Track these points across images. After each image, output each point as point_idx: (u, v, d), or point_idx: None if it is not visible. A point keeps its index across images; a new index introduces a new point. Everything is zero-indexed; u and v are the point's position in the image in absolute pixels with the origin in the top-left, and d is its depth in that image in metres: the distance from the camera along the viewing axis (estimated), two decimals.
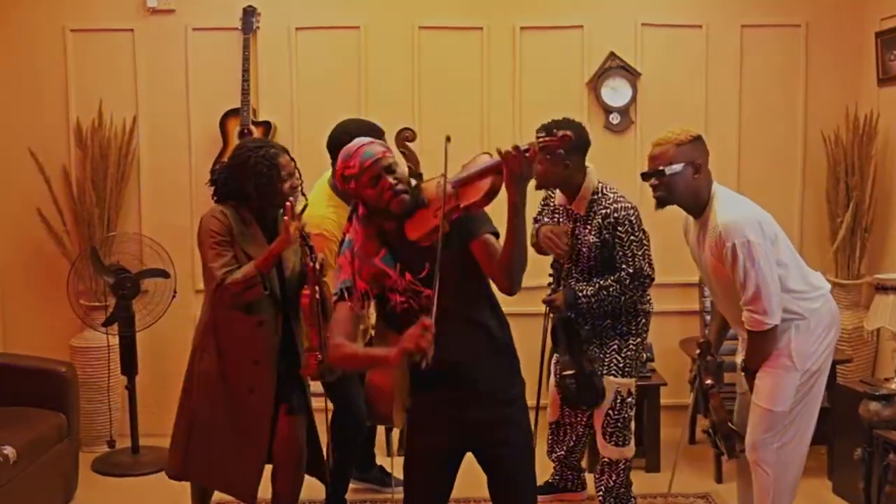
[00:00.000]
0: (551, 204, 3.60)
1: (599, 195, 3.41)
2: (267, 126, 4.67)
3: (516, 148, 2.22)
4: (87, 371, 4.52)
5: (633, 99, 4.75)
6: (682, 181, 2.91)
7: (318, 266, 3.08)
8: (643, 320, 3.51)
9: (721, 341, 3.28)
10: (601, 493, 3.57)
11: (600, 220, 3.38)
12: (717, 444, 3.19)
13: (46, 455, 3.65)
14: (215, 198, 3.17)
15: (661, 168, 2.91)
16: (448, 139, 2.30)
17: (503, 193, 2.28)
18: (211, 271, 3.01)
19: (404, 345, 2.23)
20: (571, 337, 3.46)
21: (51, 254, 4.67)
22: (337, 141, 3.28)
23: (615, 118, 4.77)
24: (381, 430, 4.24)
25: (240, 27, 4.66)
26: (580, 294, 3.40)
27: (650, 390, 4.23)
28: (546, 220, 3.59)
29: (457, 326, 2.40)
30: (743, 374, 3.08)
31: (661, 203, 2.97)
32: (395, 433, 4.39)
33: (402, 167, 2.48)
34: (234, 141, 4.63)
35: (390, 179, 2.40)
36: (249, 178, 3.06)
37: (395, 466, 3.70)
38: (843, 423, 3.91)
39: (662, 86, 4.77)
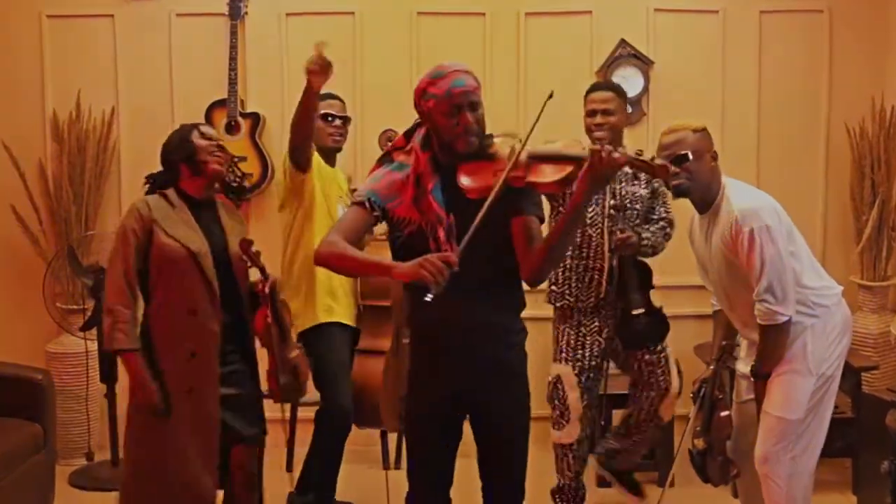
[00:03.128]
0: None
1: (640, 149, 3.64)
2: (255, 118, 4.68)
3: (608, 151, 2.27)
4: (64, 378, 4.52)
5: (646, 89, 4.75)
6: (702, 168, 2.96)
7: (268, 288, 3.14)
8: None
9: (732, 351, 3.30)
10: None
11: None
12: (705, 471, 3.16)
13: (21, 468, 3.64)
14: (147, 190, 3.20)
15: (683, 153, 2.93)
16: (551, 95, 2.36)
17: None
18: (111, 280, 3.04)
19: (421, 270, 2.24)
20: (644, 275, 3.60)
21: (25, 254, 4.67)
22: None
23: (626, 109, 4.77)
24: (376, 440, 4.24)
25: (227, 13, 4.66)
26: (644, 236, 3.59)
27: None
28: None
29: (472, 293, 2.41)
30: (752, 380, 3.08)
31: (680, 192, 3.01)
32: (392, 445, 4.39)
33: (482, 110, 2.50)
34: (221, 134, 4.64)
35: (469, 116, 2.43)
36: (170, 157, 3.15)
37: (392, 481, 3.70)
38: (868, 433, 3.90)
39: (676, 75, 4.77)
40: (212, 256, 3.06)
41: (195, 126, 3.18)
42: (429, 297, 2.23)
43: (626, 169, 3.49)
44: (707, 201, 3.01)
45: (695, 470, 3.25)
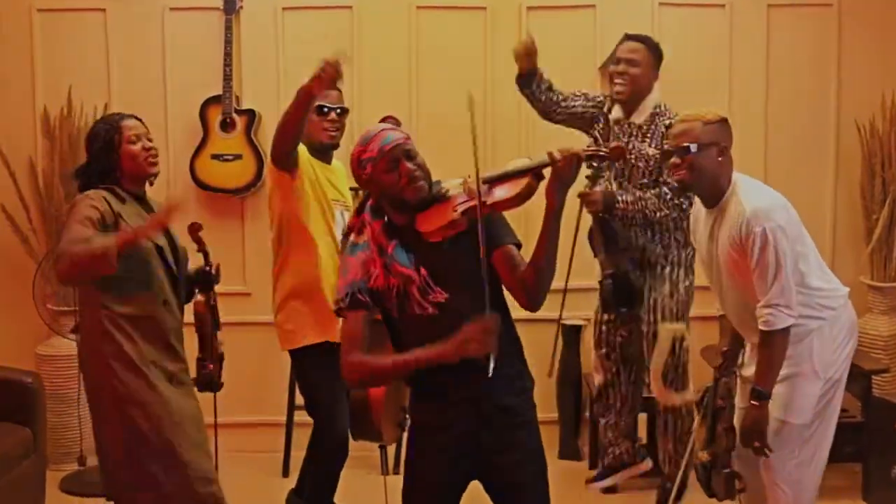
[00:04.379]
0: (601, 120, 3.80)
1: (663, 108, 3.69)
2: (251, 114, 4.68)
3: (568, 151, 2.30)
4: (55, 381, 4.52)
5: None
6: (707, 162, 2.93)
7: (214, 271, 3.16)
8: (692, 252, 3.60)
9: (736, 360, 3.28)
10: (669, 443, 3.62)
11: (663, 130, 3.57)
12: (709, 485, 3.12)
13: (10, 474, 3.65)
14: (80, 188, 3.13)
15: (686, 145, 2.93)
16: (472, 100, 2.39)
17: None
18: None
19: (467, 347, 2.29)
20: (608, 236, 3.60)
21: (15, 254, 4.67)
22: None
23: None
24: (374, 446, 4.24)
25: (221, 7, 4.66)
26: (619, 198, 3.57)
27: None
28: (597, 136, 3.81)
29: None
30: (748, 392, 3.06)
31: (681, 186, 3.02)
32: (391, 450, 4.39)
33: (419, 157, 2.51)
34: (216, 131, 4.65)
35: (409, 165, 2.44)
36: (98, 150, 3.09)
37: (390, 486, 3.70)
38: (878, 438, 3.91)
39: (681, 71, 4.76)
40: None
41: (118, 127, 3.07)
42: (490, 370, 2.27)
43: (638, 123, 3.65)
44: (714, 196, 2.99)
45: (700, 484, 3.20)
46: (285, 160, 3.33)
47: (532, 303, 2.46)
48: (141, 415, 2.91)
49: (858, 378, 4.06)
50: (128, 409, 2.92)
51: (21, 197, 4.64)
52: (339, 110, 3.50)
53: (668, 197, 3.56)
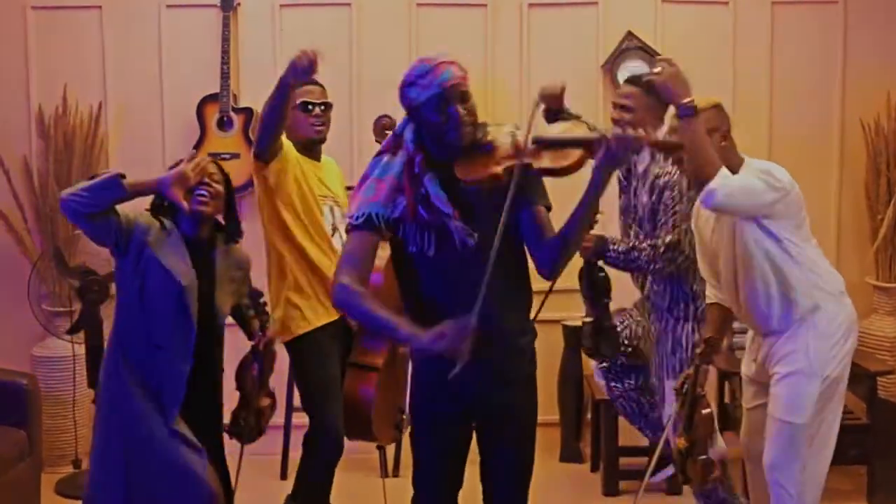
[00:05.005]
0: None
1: (657, 156, 3.52)
2: (248, 113, 4.68)
3: (625, 132, 2.27)
4: (51, 383, 4.52)
5: None
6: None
7: (263, 345, 3.12)
8: (701, 305, 3.49)
9: (717, 351, 3.30)
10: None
11: (653, 179, 3.48)
12: (684, 471, 3.16)
13: (5, 476, 3.64)
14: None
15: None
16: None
17: None
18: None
19: (442, 346, 2.26)
20: (593, 283, 3.58)
21: (10, 254, 4.67)
22: None
23: None
24: (372, 447, 4.24)
25: (219, 4, 4.66)
26: (611, 246, 3.51)
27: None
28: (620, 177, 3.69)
29: (493, 299, 2.38)
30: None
31: (693, 181, 3.05)
32: (390, 453, 4.39)
33: (473, 99, 2.47)
34: (213, 129, 4.65)
35: (460, 109, 2.40)
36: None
37: (389, 489, 3.71)
38: (884, 440, 3.92)
39: (684, 68, 4.72)
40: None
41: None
42: (453, 373, 2.24)
43: (639, 169, 3.50)
44: None
45: (676, 469, 3.26)
46: (265, 150, 3.35)
47: (550, 271, 2.48)
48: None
49: (863, 380, 4.07)
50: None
51: (16, 196, 4.64)
52: (322, 106, 3.55)
53: (662, 250, 3.40)
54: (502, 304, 2.46)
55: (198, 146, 4.65)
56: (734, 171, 2.95)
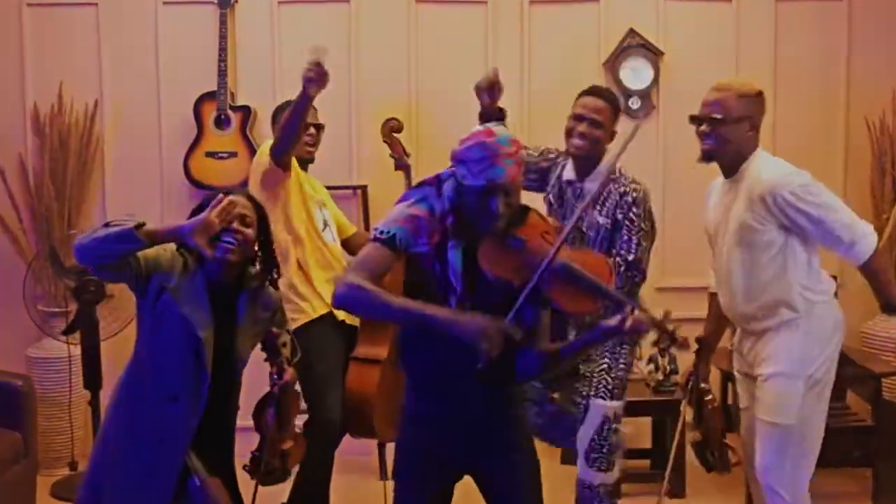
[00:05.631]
0: (553, 179, 3.51)
1: (618, 174, 3.38)
2: (246, 111, 4.69)
3: (653, 321, 2.33)
4: (46, 385, 4.53)
5: (655, 81, 4.76)
6: (735, 135, 2.97)
7: (279, 389, 2.98)
8: None
9: (717, 344, 3.32)
10: None
11: (617, 199, 3.35)
12: (706, 460, 3.22)
13: (0, 479, 3.65)
14: None
15: (717, 116, 2.96)
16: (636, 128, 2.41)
17: None
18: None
19: (483, 340, 2.25)
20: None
21: (4, 254, 4.68)
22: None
23: (635, 102, 4.78)
24: (373, 450, 4.25)
25: (216, 1, 4.67)
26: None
27: (673, 407, 4.23)
28: (552, 199, 3.53)
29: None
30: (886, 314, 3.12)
31: (706, 156, 3.03)
32: (390, 455, 4.40)
33: (519, 193, 2.46)
34: (210, 128, 4.65)
35: (501, 204, 2.38)
36: None
37: (389, 492, 3.71)
38: (889, 442, 3.92)
39: (687, 67, 4.78)
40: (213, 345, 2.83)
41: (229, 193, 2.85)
42: (481, 366, 2.26)
43: (590, 189, 3.29)
44: (734, 167, 3.03)
45: (698, 460, 3.31)
46: (285, 157, 3.55)
47: (521, 381, 2.55)
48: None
49: (868, 381, 4.07)
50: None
51: (11, 196, 4.64)
52: (315, 127, 3.78)
53: (622, 268, 3.33)
54: (500, 369, 2.45)
55: (195, 145, 4.66)
56: (745, 157, 2.99)
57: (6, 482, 3.69)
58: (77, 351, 4.39)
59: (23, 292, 4.39)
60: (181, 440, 2.81)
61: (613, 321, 2.35)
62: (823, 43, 4.82)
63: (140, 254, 2.72)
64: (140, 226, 2.65)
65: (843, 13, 4.79)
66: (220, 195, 2.77)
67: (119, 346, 4.53)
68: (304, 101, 3.42)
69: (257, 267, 2.95)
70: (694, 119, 3.03)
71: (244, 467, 3.05)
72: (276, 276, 2.97)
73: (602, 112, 3.31)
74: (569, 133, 3.33)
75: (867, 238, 2.90)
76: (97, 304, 4.33)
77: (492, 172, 2.34)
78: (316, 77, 3.35)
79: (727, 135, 2.97)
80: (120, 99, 4.76)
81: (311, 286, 3.63)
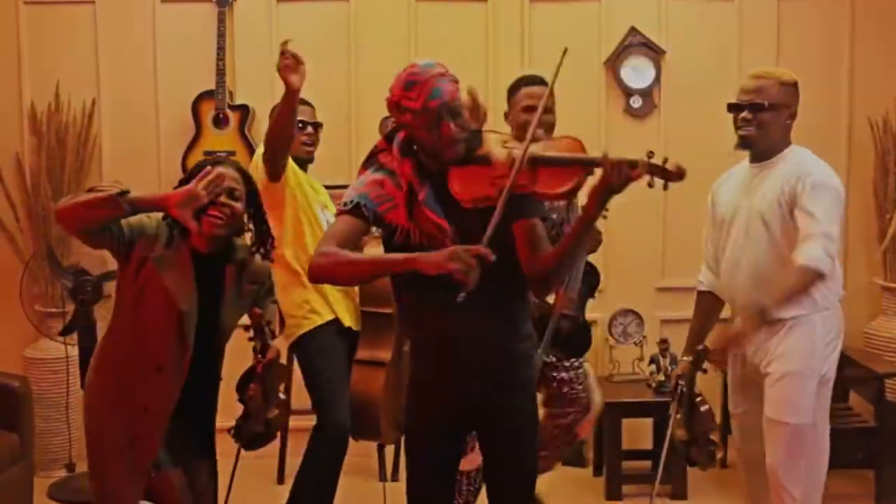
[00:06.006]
0: None
1: None
2: (244, 110, 4.69)
3: (625, 162, 2.24)
4: (43, 385, 4.53)
5: (657, 80, 4.76)
6: (776, 123, 3.01)
7: (262, 368, 2.95)
8: None
9: (702, 341, 3.30)
10: None
11: None
12: (690, 457, 3.21)
13: None
14: None
15: (760, 102, 2.98)
16: (565, 51, 2.43)
17: None
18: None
19: (450, 264, 2.22)
20: (592, 279, 3.64)
21: (1, 254, 4.68)
22: None
23: (636, 101, 4.78)
24: (372, 451, 4.25)
25: None
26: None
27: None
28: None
29: (476, 307, 2.39)
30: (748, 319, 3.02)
31: (744, 143, 3.06)
32: (389, 457, 4.40)
33: (466, 114, 2.47)
34: (208, 127, 4.65)
35: (452, 126, 2.40)
36: None
37: (389, 493, 3.71)
38: (892, 443, 3.93)
39: (689, 65, 4.79)
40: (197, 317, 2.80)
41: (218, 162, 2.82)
42: (461, 297, 2.22)
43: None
44: (767, 154, 3.05)
45: (680, 458, 3.35)
46: (278, 165, 3.44)
47: (540, 289, 2.50)
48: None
49: (871, 382, 4.08)
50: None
51: (7, 195, 4.64)
52: (313, 126, 3.69)
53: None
54: (495, 318, 2.49)
55: (193, 144, 4.66)
56: (778, 149, 3.01)
57: (3, 484, 3.69)
58: (74, 351, 4.38)
59: (20, 292, 4.39)
60: (165, 410, 2.80)
61: (601, 178, 2.28)
62: (826, 42, 4.82)
63: (123, 220, 2.68)
64: (124, 193, 2.60)
65: (845, 12, 4.79)
66: (208, 167, 2.73)
67: None
68: (290, 96, 3.25)
69: (245, 238, 2.93)
70: (733, 107, 3.06)
71: (228, 431, 3.05)
72: (270, 248, 2.93)
73: (552, 99, 3.33)
74: (522, 128, 3.30)
75: (830, 257, 2.86)
76: (94, 305, 4.33)
77: (431, 95, 2.38)
78: (292, 63, 3.21)
79: (769, 122, 3.00)
80: (117, 98, 4.76)
81: (318, 291, 3.57)
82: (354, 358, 3.58)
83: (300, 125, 3.59)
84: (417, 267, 2.30)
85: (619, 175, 2.25)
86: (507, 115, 3.42)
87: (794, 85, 3.06)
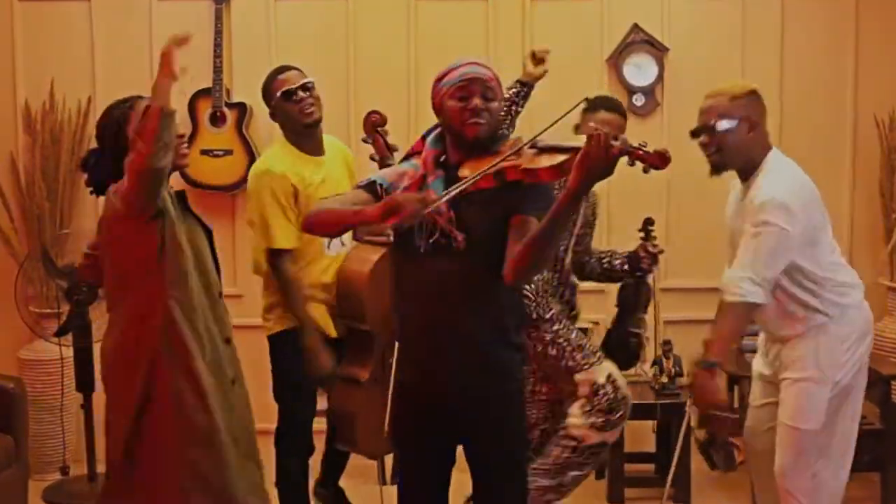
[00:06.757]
0: None
1: None
2: (242, 108, 4.68)
3: (606, 138, 2.22)
4: (38, 387, 4.53)
5: (660, 77, 4.76)
6: (734, 139, 2.98)
7: None
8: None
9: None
10: None
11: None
12: (711, 459, 3.25)
13: None
14: (94, 183, 3.00)
15: (711, 123, 2.97)
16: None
17: None
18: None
19: (390, 202, 2.36)
20: (648, 295, 3.76)
21: None
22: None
23: (639, 99, 4.78)
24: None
25: None
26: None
27: (678, 409, 4.23)
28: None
29: (462, 302, 2.45)
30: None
31: (715, 168, 3.04)
32: (389, 459, 4.39)
33: (497, 105, 2.55)
34: (205, 125, 4.65)
35: (477, 101, 2.48)
36: (124, 138, 2.92)
37: (387, 497, 3.71)
38: None
39: (692, 63, 4.78)
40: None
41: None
42: (420, 248, 2.39)
43: None
44: (748, 171, 3.04)
45: (702, 457, 3.34)
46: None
47: (511, 275, 2.42)
48: (204, 456, 2.83)
49: (877, 384, 4.06)
50: (190, 451, 2.82)
51: (2, 195, 4.65)
52: (303, 88, 3.53)
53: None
54: (473, 312, 2.49)
55: (189, 142, 4.64)
56: (756, 163, 2.99)
57: None
58: (69, 353, 4.39)
59: (14, 293, 4.39)
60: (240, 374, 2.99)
61: (581, 152, 2.26)
62: (831, 38, 4.81)
63: None
64: None
65: (850, 8, 4.78)
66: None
67: None
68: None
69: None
70: (693, 133, 3.05)
71: None
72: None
73: (613, 123, 3.36)
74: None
75: (754, 289, 2.85)
76: (90, 306, 4.33)
77: (468, 69, 2.52)
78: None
79: (727, 141, 2.97)
80: (113, 96, 4.68)
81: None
82: (338, 369, 3.56)
83: (289, 94, 3.49)
84: (366, 217, 2.45)
85: (598, 145, 2.21)
86: (577, 128, 3.44)
87: (749, 94, 3.02)
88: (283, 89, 3.49)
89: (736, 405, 4.56)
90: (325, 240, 3.54)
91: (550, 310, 3.41)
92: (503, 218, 2.44)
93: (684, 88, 4.74)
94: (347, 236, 3.64)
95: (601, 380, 3.36)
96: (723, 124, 2.96)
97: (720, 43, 4.80)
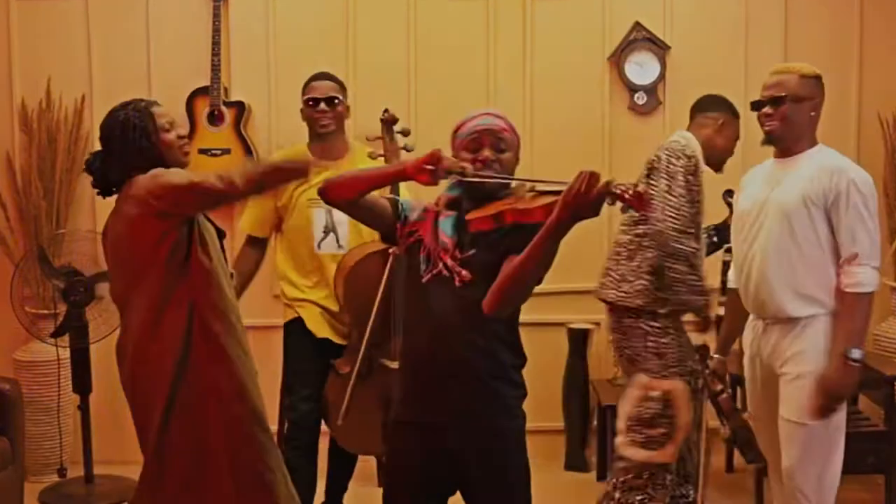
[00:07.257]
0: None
1: None
2: (240, 106, 4.68)
3: (591, 177, 2.20)
4: (34, 388, 4.53)
5: (662, 76, 4.76)
6: (799, 116, 3.04)
7: None
8: None
9: (734, 339, 3.37)
10: None
11: None
12: (742, 450, 3.31)
13: None
14: (101, 184, 3.02)
15: (780, 95, 3.02)
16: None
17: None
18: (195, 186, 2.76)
19: (437, 150, 2.46)
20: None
21: None
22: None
23: (641, 98, 4.78)
24: (372, 457, 4.25)
25: None
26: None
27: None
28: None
29: (459, 336, 2.46)
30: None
31: (769, 138, 3.10)
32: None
33: (511, 155, 2.58)
34: (203, 124, 4.65)
35: (487, 153, 2.53)
36: (132, 140, 2.93)
37: None
38: None
39: (695, 61, 4.78)
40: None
41: (151, 114, 2.98)
42: (401, 216, 2.53)
43: None
44: (792, 149, 3.08)
45: (739, 453, 3.44)
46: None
47: (487, 306, 2.42)
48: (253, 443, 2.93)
49: (881, 385, 4.06)
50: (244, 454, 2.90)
51: None
52: (326, 101, 3.71)
53: None
54: (471, 345, 2.49)
55: None
56: (801, 145, 3.06)
57: None
58: (66, 354, 4.39)
59: (10, 294, 4.39)
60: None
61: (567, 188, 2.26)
62: (834, 36, 4.81)
63: None
64: None
65: (854, 5, 4.79)
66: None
67: (109, 348, 4.52)
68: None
69: None
70: (755, 104, 3.11)
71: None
72: None
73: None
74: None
75: (874, 274, 2.93)
76: (86, 306, 4.33)
77: (480, 121, 2.56)
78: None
79: (791, 115, 3.03)
80: (110, 95, 4.71)
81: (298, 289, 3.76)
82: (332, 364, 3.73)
83: (311, 103, 3.71)
84: (407, 171, 2.50)
85: (580, 184, 2.20)
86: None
87: (816, 78, 3.09)
88: (309, 97, 3.73)
89: (738, 406, 4.57)
90: (317, 238, 3.69)
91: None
92: (500, 257, 2.45)
93: (686, 87, 4.73)
94: (344, 237, 3.70)
95: (656, 393, 3.26)
96: (793, 98, 3.02)
97: (722, 41, 4.81)
